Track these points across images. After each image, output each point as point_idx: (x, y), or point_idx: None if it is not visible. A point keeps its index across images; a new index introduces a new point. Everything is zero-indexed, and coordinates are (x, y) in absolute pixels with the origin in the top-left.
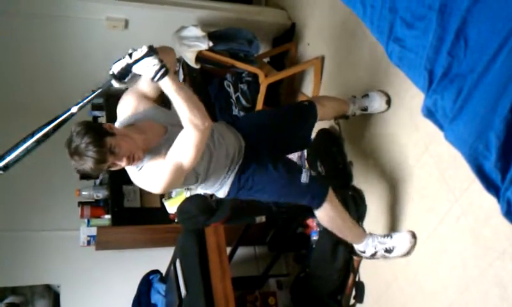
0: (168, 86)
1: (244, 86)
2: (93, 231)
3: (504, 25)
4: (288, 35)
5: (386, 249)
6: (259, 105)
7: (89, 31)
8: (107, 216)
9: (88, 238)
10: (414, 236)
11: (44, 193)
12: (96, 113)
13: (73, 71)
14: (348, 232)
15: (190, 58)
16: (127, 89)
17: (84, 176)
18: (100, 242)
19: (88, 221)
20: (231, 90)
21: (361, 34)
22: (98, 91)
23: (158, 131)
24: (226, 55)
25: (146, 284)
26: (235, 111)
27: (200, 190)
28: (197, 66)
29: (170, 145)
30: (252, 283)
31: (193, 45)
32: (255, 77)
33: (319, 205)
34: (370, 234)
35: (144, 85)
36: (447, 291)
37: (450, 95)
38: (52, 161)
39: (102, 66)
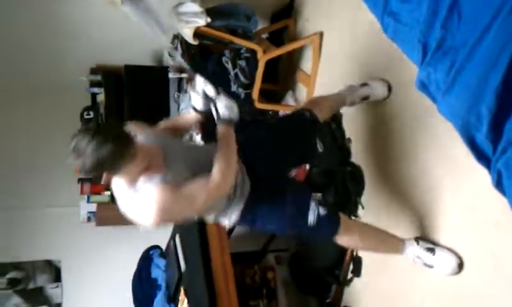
0: (227, 131)
1: (242, 62)
2: (93, 207)
3: None
4: (287, 11)
5: (425, 264)
6: (257, 82)
7: (88, 7)
8: (107, 192)
9: (88, 215)
10: (460, 265)
11: (44, 170)
12: (95, 90)
13: (71, 48)
14: (382, 248)
15: (188, 34)
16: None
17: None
18: (100, 218)
19: (88, 197)
20: (229, 66)
21: (361, 10)
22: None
23: (161, 163)
24: (225, 32)
25: (146, 260)
26: (234, 88)
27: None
28: (195, 43)
29: (174, 176)
30: (251, 258)
31: (191, 21)
32: (253, 53)
33: (331, 240)
34: (410, 242)
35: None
36: None
37: (444, 68)
38: (52, 139)
39: (100, 43)
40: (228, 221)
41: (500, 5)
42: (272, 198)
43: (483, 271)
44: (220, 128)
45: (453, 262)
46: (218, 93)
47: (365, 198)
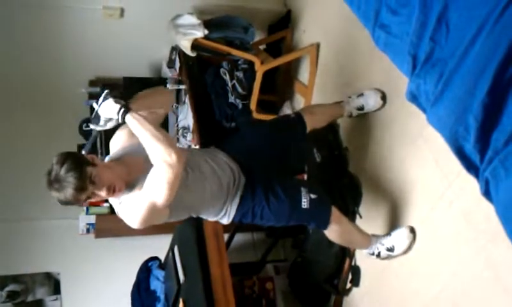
0: (131, 123)
1: (240, 74)
2: (92, 219)
3: (482, 9)
4: (284, 22)
5: (387, 248)
6: (255, 93)
7: (86, 21)
8: (106, 204)
9: (87, 226)
10: (412, 231)
11: (43, 182)
12: (94, 103)
13: (70, 61)
14: (356, 242)
15: (186, 46)
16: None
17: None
18: (99, 230)
19: (87, 209)
20: (227, 78)
21: (357, 21)
22: (87, 146)
23: (141, 165)
24: (222, 43)
25: (145, 271)
26: (231, 99)
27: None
28: (193, 54)
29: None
30: (250, 269)
31: (189, 33)
32: (251, 64)
33: (325, 228)
34: (374, 236)
35: None
36: (440, 275)
37: (432, 79)
38: (51, 151)
39: (99, 56)
40: (227, 219)
41: (486, 16)
42: (267, 197)
43: (481, 282)
44: (128, 123)
45: (405, 231)
46: (97, 111)
47: (362, 208)
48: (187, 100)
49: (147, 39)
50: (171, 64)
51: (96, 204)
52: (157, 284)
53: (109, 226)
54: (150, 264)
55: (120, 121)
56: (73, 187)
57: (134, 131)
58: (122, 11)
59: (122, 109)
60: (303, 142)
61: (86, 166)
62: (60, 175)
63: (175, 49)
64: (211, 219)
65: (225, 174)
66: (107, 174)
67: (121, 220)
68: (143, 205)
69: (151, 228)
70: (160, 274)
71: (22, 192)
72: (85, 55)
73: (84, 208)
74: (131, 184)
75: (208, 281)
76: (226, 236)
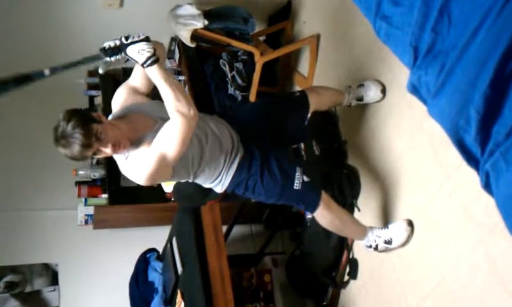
0: (156, 73)
1: (239, 65)
2: (91, 210)
3: (484, 1)
4: (284, 13)
5: (385, 240)
6: (255, 84)
7: (86, 9)
8: (104, 195)
9: (86, 218)
10: (410, 224)
11: (41, 173)
12: (92, 93)
13: (68, 49)
14: (349, 231)
15: (185, 37)
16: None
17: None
18: (98, 221)
19: (85, 200)
20: (226, 69)
21: (358, 12)
22: (81, 60)
23: (147, 123)
24: (222, 34)
25: (143, 263)
26: (231, 90)
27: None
28: (192, 45)
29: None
30: (248, 261)
31: (188, 23)
32: (250, 55)
33: (313, 211)
34: (370, 228)
35: (137, 80)
36: (438, 267)
37: (434, 71)
38: (49, 141)
39: (98, 45)
40: (221, 187)
41: (489, 8)
42: (262, 173)
43: (479, 275)
44: (149, 73)
45: (403, 224)
46: (124, 44)
47: (360, 200)
48: (186, 91)
49: (146, 29)
50: (170, 54)
51: (94, 196)
52: (155, 276)
53: (107, 217)
54: (148, 255)
55: (144, 66)
56: (79, 144)
57: (156, 81)
58: (122, 0)
59: (154, 57)
60: (304, 121)
61: (92, 123)
62: (67, 131)
63: (175, 40)
64: (207, 185)
65: (226, 141)
66: (113, 131)
67: (119, 211)
68: (152, 158)
69: (150, 219)
70: (158, 265)
71: (20, 183)
72: (84, 45)
73: (83, 199)
74: (137, 141)
75: (206, 273)
76: (224, 228)
